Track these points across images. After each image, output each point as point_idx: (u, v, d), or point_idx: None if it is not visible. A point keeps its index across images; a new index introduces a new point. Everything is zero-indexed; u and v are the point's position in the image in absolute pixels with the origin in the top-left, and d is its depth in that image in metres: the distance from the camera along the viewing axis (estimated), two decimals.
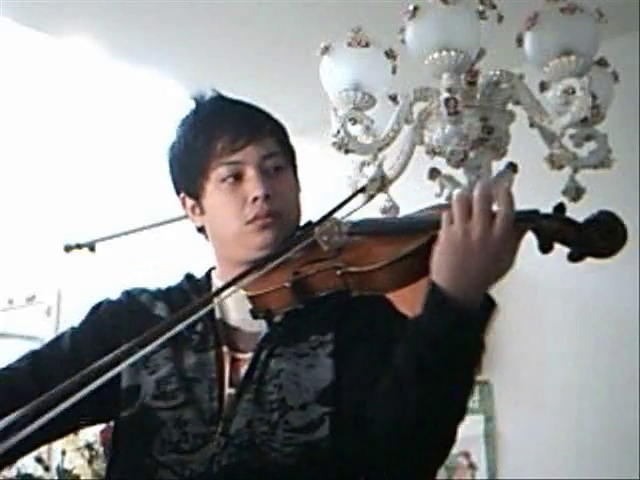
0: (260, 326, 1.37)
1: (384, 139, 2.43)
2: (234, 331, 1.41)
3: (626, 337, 2.86)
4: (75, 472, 3.12)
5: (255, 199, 1.37)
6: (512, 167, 2.39)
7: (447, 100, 2.17)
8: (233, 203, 1.38)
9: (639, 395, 2.78)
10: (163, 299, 1.47)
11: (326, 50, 2.39)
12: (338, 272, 1.30)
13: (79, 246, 3.30)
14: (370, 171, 2.45)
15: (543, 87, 2.40)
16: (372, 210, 2.33)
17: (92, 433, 3.07)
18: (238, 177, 1.38)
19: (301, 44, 2.80)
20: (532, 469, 2.89)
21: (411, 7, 2.19)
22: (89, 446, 3.08)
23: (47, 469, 3.61)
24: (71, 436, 3.09)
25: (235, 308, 1.41)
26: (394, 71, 2.40)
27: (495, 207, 1.26)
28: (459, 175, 2.41)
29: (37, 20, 3.19)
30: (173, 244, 3.77)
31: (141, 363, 1.35)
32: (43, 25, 3.24)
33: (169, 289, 1.51)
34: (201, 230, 1.51)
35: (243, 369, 1.34)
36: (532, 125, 2.35)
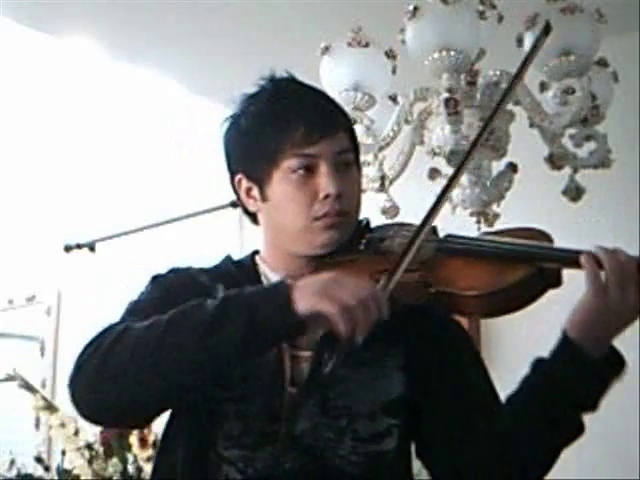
0: None
1: (384, 139, 2.43)
2: None
3: (626, 337, 2.86)
4: (75, 472, 3.11)
5: (327, 196, 1.31)
6: (512, 167, 2.39)
7: (447, 100, 2.17)
8: (303, 197, 1.32)
9: (639, 395, 2.78)
10: (222, 281, 1.37)
11: (326, 50, 2.39)
12: (431, 289, 1.25)
13: (79, 246, 3.30)
14: (370, 171, 2.46)
15: (543, 87, 2.40)
16: (373, 210, 2.34)
17: (92, 433, 3.07)
18: (310, 170, 1.32)
19: (301, 44, 2.80)
20: None
21: (411, 7, 2.19)
22: (89, 446, 3.07)
23: (47, 469, 3.61)
24: (71, 436, 3.09)
25: None
26: (394, 71, 2.40)
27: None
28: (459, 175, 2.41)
29: (37, 20, 3.19)
30: (173, 244, 3.77)
31: None
32: (43, 25, 3.24)
33: (220, 269, 1.42)
34: (250, 214, 1.43)
35: (304, 367, 1.31)
36: (532, 125, 2.35)
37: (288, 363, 1.31)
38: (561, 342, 1.23)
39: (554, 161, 2.33)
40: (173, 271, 1.42)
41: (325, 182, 1.31)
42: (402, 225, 1.39)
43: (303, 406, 1.28)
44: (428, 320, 1.35)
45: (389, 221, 1.46)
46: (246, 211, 1.43)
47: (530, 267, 1.21)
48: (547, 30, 1.51)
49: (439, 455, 1.35)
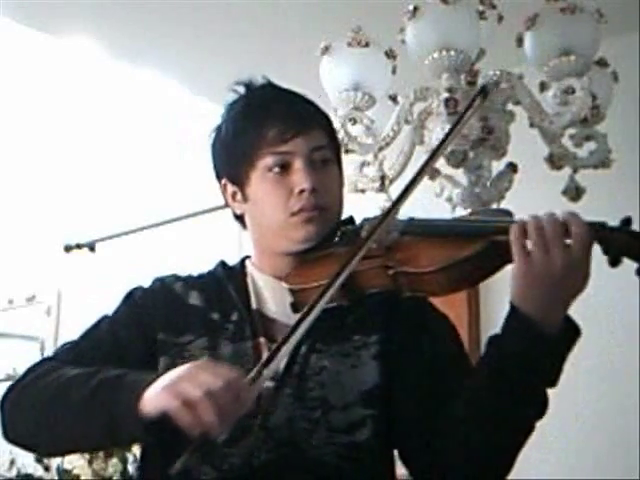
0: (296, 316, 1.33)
1: (384, 139, 2.43)
2: (271, 322, 1.38)
3: (626, 337, 2.86)
4: (75, 472, 3.11)
5: (302, 191, 1.34)
6: (512, 167, 2.39)
7: (447, 100, 2.18)
8: (279, 194, 1.35)
9: (639, 395, 2.78)
10: (197, 288, 1.43)
11: (326, 50, 2.39)
12: (390, 272, 1.27)
13: (79, 246, 3.30)
14: (370, 171, 2.46)
15: (543, 87, 2.40)
16: (373, 210, 2.33)
17: None
18: (285, 168, 1.35)
19: (301, 44, 2.80)
20: (532, 469, 2.88)
21: (411, 7, 2.20)
22: None
23: (47, 469, 3.61)
24: None
25: (272, 299, 1.39)
26: (394, 71, 2.41)
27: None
28: (459, 175, 2.41)
29: (37, 20, 3.19)
30: (173, 244, 3.77)
31: (177, 354, 1.35)
32: (43, 25, 3.24)
33: (202, 276, 1.47)
34: (239, 218, 1.46)
35: (281, 362, 1.30)
36: (532, 125, 2.35)
37: (265, 357, 1.32)
38: (509, 313, 1.22)
39: (554, 161, 2.33)
40: (155, 281, 1.47)
41: (299, 177, 1.34)
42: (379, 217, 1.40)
43: (278, 398, 1.30)
44: (407, 309, 1.35)
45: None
46: (235, 215, 1.47)
47: (484, 241, 1.23)
48: (484, 91, 1.61)
49: (411, 447, 1.33)
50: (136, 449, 2.96)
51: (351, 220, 1.42)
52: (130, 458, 3.01)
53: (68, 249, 3.25)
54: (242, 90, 1.45)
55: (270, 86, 1.46)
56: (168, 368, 1.26)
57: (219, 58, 3.38)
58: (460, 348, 1.40)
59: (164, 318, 1.39)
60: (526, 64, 2.32)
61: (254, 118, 1.38)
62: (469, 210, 2.37)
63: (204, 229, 3.53)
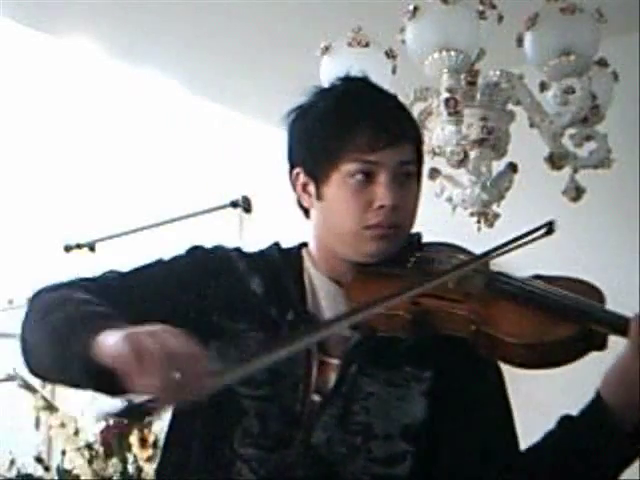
0: (352, 333, 1.28)
1: None
2: None
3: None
4: (75, 472, 3.11)
5: (381, 207, 1.28)
6: (512, 167, 2.39)
7: (447, 100, 2.17)
8: (357, 203, 1.29)
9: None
10: (259, 272, 1.35)
11: (326, 50, 2.39)
12: (473, 327, 1.19)
13: (79, 246, 3.31)
14: None
15: (543, 87, 2.40)
16: None
17: (92, 433, 3.07)
18: (369, 177, 1.29)
19: (301, 44, 2.80)
20: None
21: (411, 7, 2.19)
22: (89, 446, 3.07)
23: (47, 469, 3.61)
24: (71, 436, 3.09)
25: (327, 303, 1.33)
26: (394, 71, 2.40)
27: None
28: (459, 175, 2.41)
29: (37, 20, 3.19)
30: (173, 244, 3.77)
31: (231, 340, 1.29)
32: (43, 25, 3.24)
33: (262, 256, 1.39)
34: (303, 208, 1.39)
35: (330, 376, 1.28)
36: (532, 125, 2.35)
37: (315, 369, 1.29)
38: (592, 403, 1.20)
39: (554, 161, 2.33)
40: (217, 248, 1.41)
41: (382, 192, 1.28)
42: (456, 249, 1.36)
43: (323, 416, 1.26)
44: (464, 352, 1.26)
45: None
46: (299, 204, 1.41)
47: (578, 326, 1.16)
48: None
49: None
50: (136, 449, 2.96)
51: (419, 239, 1.37)
52: (130, 458, 3.01)
53: (68, 249, 3.25)
54: (337, 81, 1.39)
55: (366, 83, 1.40)
56: (220, 353, 1.22)
57: (219, 58, 3.38)
58: (508, 403, 1.36)
59: (223, 299, 1.33)
60: (526, 64, 2.32)
61: (346, 117, 1.32)
62: (469, 210, 2.37)
63: (204, 229, 3.53)
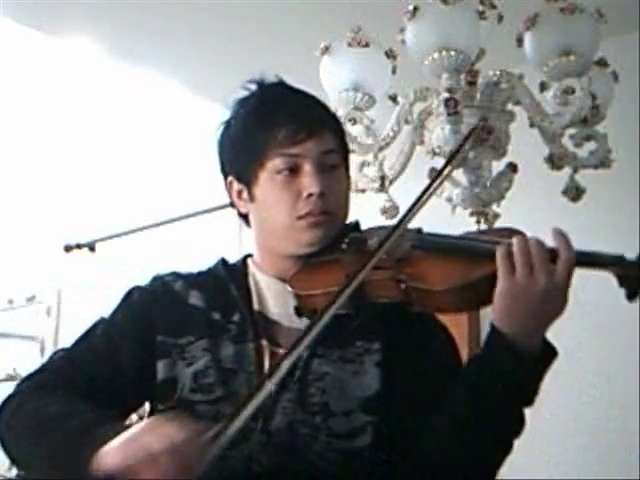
0: (300, 322, 1.33)
1: (384, 139, 2.43)
2: (273, 325, 1.37)
3: (626, 337, 2.86)
4: None
5: (310, 195, 1.33)
6: (512, 167, 2.39)
7: (447, 100, 2.17)
8: (286, 196, 1.34)
9: (639, 395, 2.78)
10: (197, 287, 1.42)
11: (326, 50, 2.39)
12: (402, 285, 1.26)
13: (79, 246, 3.30)
14: (370, 171, 2.46)
15: (543, 87, 2.40)
16: (373, 210, 2.34)
17: None
18: (294, 170, 1.35)
19: (301, 44, 2.80)
20: (532, 469, 2.89)
21: (411, 7, 2.20)
22: None
23: None
24: None
25: (274, 301, 1.39)
26: (394, 71, 2.41)
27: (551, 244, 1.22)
28: (459, 175, 2.41)
29: (37, 20, 3.19)
30: (173, 244, 3.77)
31: (177, 355, 1.33)
32: (43, 25, 3.24)
33: (202, 274, 1.47)
34: (243, 216, 1.46)
35: (283, 364, 1.28)
36: (532, 125, 2.35)
37: (267, 361, 1.33)
38: (489, 333, 1.23)
39: (554, 161, 2.33)
40: (154, 279, 1.46)
41: (308, 181, 1.34)
42: (382, 226, 1.40)
43: (281, 402, 1.29)
44: (409, 319, 1.35)
45: (389, 221, 1.47)
46: (239, 213, 1.46)
47: (494, 264, 1.22)
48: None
49: (396, 457, 1.33)
50: None
51: (356, 225, 1.41)
52: None
53: (68, 249, 3.24)
54: (254, 87, 1.43)
55: (283, 86, 1.45)
56: (168, 371, 1.27)
57: (219, 58, 3.38)
58: (456, 363, 1.40)
59: (163, 320, 1.38)
60: (526, 64, 2.32)
61: (266, 117, 1.37)
62: (469, 210, 2.38)
63: (204, 229, 3.53)
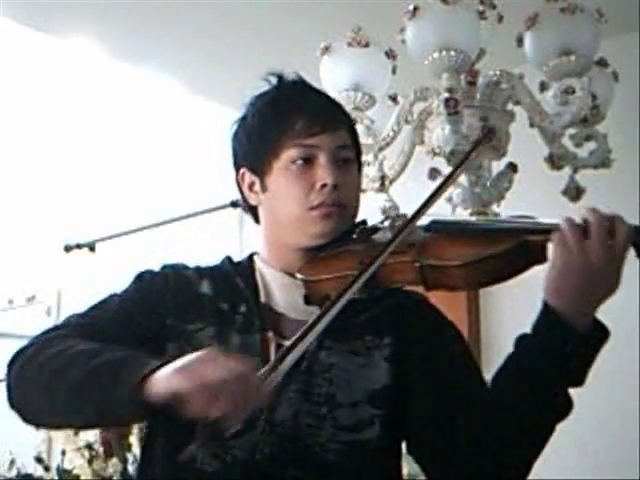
0: (307, 314, 1.31)
1: (384, 139, 2.43)
2: (279, 317, 1.37)
3: (626, 337, 2.86)
4: (75, 472, 3.11)
5: (323, 186, 1.34)
6: (512, 167, 2.39)
7: (447, 100, 2.17)
8: (300, 186, 1.35)
9: (639, 395, 2.78)
10: (207, 277, 1.42)
11: (326, 50, 2.39)
12: (416, 264, 1.26)
13: (79, 246, 3.30)
14: (370, 171, 2.46)
15: (543, 87, 2.40)
16: (373, 210, 2.34)
17: (92, 433, 3.07)
18: (309, 161, 1.35)
19: (301, 44, 2.80)
20: (532, 469, 2.89)
21: (411, 7, 2.20)
22: (89, 446, 3.07)
23: (47, 469, 3.61)
24: (71, 436, 3.09)
25: (280, 294, 1.39)
26: (394, 71, 2.41)
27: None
28: (459, 175, 2.41)
29: (37, 20, 3.19)
30: (173, 244, 3.77)
31: (185, 341, 1.33)
32: (43, 25, 3.24)
33: (212, 268, 1.45)
34: (251, 210, 1.45)
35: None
36: (532, 125, 2.35)
37: (273, 352, 1.33)
38: (541, 310, 1.22)
39: (554, 161, 2.33)
40: (164, 267, 1.45)
41: (323, 172, 1.34)
42: (398, 217, 1.41)
43: (284, 393, 1.29)
44: (418, 314, 1.37)
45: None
46: (248, 207, 1.45)
47: (515, 239, 1.22)
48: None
49: (427, 451, 1.34)
50: (136, 449, 2.96)
51: (364, 223, 1.41)
52: (130, 458, 3.01)
53: (68, 249, 3.24)
54: (273, 81, 1.44)
55: (301, 82, 1.46)
56: (176, 355, 1.24)
57: (219, 58, 3.38)
58: (468, 349, 1.41)
59: (174, 304, 1.38)
60: (526, 64, 2.32)
61: (283, 110, 1.38)
62: (469, 210, 2.38)
63: (204, 229, 3.53)
